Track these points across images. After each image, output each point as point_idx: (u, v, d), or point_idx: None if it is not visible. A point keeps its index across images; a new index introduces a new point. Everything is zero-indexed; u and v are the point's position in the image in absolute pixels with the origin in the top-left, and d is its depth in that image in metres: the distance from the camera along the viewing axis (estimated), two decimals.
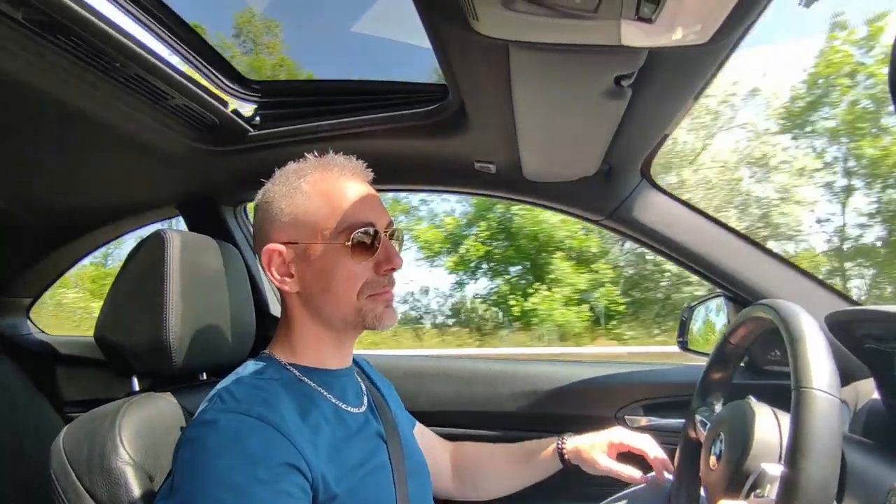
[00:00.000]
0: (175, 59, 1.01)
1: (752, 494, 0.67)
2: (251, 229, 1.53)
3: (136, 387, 0.95)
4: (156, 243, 0.90)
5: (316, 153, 0.85)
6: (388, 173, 0.91)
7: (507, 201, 1.33)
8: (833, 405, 0.57)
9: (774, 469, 0.65)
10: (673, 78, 0.78)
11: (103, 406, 0.82)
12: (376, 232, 0.80)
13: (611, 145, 0.99)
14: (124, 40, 0.83)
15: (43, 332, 1.81)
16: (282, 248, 0.79)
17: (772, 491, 0.65)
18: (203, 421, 0.70)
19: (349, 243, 0.77)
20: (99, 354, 0.96)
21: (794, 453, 0.56)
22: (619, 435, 1.01)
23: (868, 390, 0.96)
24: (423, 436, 1.07)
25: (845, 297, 1.13)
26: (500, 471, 1.10)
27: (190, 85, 0.98)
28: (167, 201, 1.43)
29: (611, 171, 1.12)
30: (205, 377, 1.04)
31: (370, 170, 0.85)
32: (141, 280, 0.91)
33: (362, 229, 0.78)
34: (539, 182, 1.20)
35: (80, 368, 1.65)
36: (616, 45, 0.63)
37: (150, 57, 0.88)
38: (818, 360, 0.59)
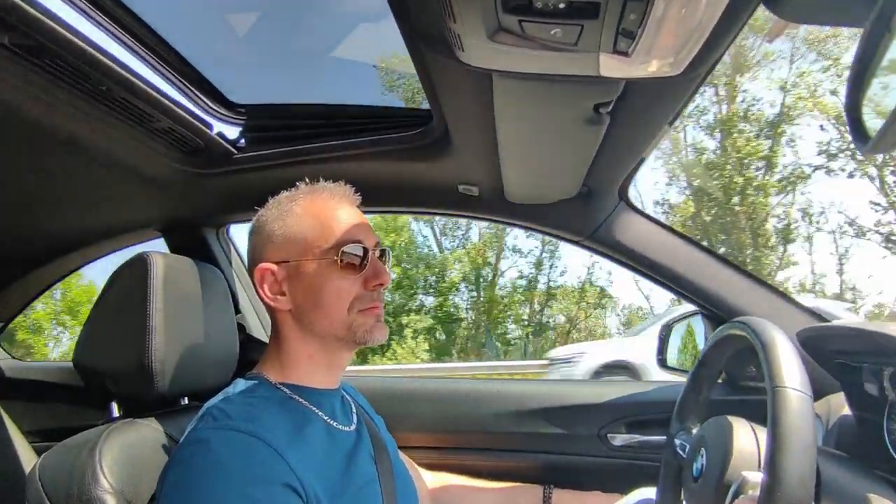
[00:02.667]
0: (160, 82, 1.02)
1: (735, 502, 0.69)
2: (234, 251, 1.52)
3: (115, 413, 0.93)
4: (139, 266, 0.90)
5: (307, 180, 0.89)
6: (373, 196, 0.92)
7: (490, 223, 1.35)
8: (806, 402, 0.60)
9: (755, 475, 0.67)
10: (648, 106, 0.82)
11: (81, 434, 0.80)
12: (365, 249, 0.83)
13: (590, 169, 1.02)
14: (109, 63, 0.83)
15: (12, 357, 1.76)
16: (274, 266, 0.82)
17: (754, 495, 0.66)
18: (195, 440, 0.69)
19: (338, 258, 0.80)
20: (71, 380, 0.94)
21: (772, 450, 0.59)
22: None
23: (840, 404, 0.99)
24: (406, 461, 1.07)
25: (816, 314, 1.17)
26: None
27: (175, 108, 0.98)
28: (149, 223, 1.41)
29: (590, 194, 1.16)
30: (186, 402, 1.02)
31: (357, 194, 0.89)
32: (123, 303, 0.90)
33: (351, 246, 0.81)
34: (521, 204, 1.22)
35: (52, 395, 1.60)
36: (595, 75, 0.66)
37: (134, 80, 0.88)
38: (789, 361, 0.63)
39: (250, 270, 0.85)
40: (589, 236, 1.27)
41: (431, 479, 1.15)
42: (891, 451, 0.81)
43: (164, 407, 0.93)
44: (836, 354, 0.91)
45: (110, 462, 0.75)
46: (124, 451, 0.78)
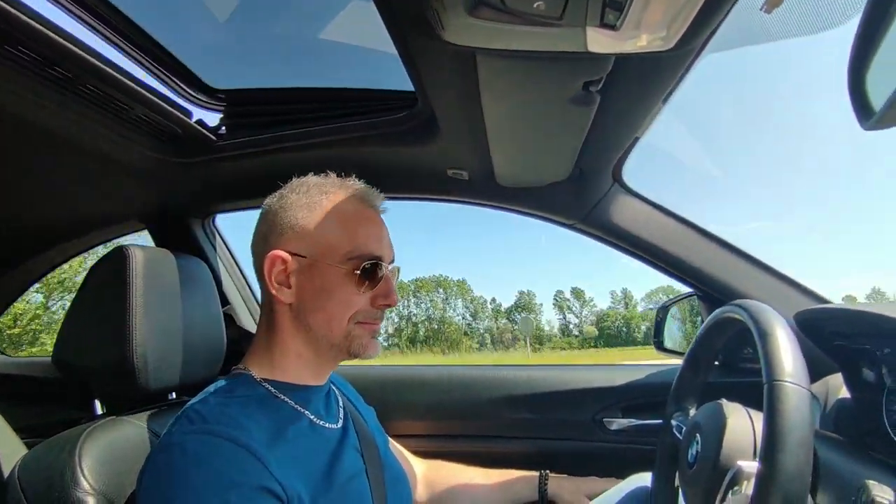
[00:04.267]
0: (135, 70, 0.98)
1: (730, 492, 0.68)
2: (221, 242, 1.49)
3: (99, 410, 0.91)
4: (118, 259, 0.87)
5: (309, 167, 0.85)
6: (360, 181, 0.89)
7: (481, 207, 1.32)
8: (803, 396, 0.58)
9: (750, 466, 0.66)
10: (640, 83, 0.79)
11: (62, 433, 0.78)
12: (381, 266, 0.81)
13: (582, 150, 0.99)
14: (79, 52, 0.80)
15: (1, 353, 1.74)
16: (287, 256, 0.79)
17: (748, 487, 0.65)
18: (168, 444, 0.67)
19: (357, 272, 0.78)
20: (56, 375, 0.92)
21: (768, 445, 0.57)
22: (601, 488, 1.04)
23: (838, 386, 0.98)
24: (396, 451, 1.06)
25: (814, 294, 1.15)
26: (477, 495, 1.10)
27: (151, 96, 0.95)
28: (131, 215, 1.38)
29: (583, 176, 1.13)
30: (174, 397, 1.00)
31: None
32: (103, 298, 0.88)
33: (371, 262, 0.79)
34: (512, 188, 1.20)
35: (42, 391, 1.58)
36: (582, 51, 0.62)
37: (107, 68, 0.85)
38: (787, 353, 0.61)
39: (258, 251, 0.82)
40: (582, 219, 1.24)
41: (425, 468, 1.14)
42: (890, 433, 0.80)
43: (151, 403, 0.92)
44: (834, 336, 0.89)
45: (91, 462, 0.73)
46: (106, 450, 0.76)
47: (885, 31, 0.49)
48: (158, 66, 1.02)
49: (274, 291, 0.79)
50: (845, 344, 0.88)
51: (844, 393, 0.94)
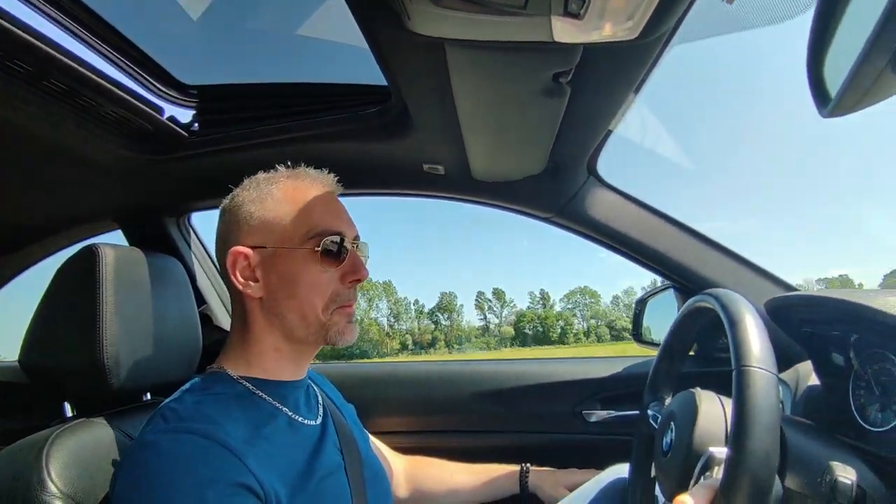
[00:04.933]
0: (103, 65, 0.96)
1: (702, 478, 0.69)
2: (197, 240, 1.47)
3: (69, 413, 0.89)
4: (87, 258, 0.85)
5: (290, 164, 0.85)
6: (337, 178, 0.89)
7: (458, 202, 1.32)
8: (770, 381, 0.59)
9: (721, 451, 0.67)
10: (609, 74, 0.79)
11: (29, 437, 0.76)
12: (344, 240, 0.80)
13: (556, 143, 1.00)
14: (43, 46, 0.78)
15: None
16: (248, 250, 0.78)
17: (720, 472, 0.66)
18: (143, 443, 0.66)
19: (318, 249, 0.78)
20: (23, 379, 0.90)
21: (736, 429, 0.58)
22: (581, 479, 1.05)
23: (808, 372, 1.00)
24: (375, 448, 1.06)
25: (784, 283, 1.17)
26: (458, 490, 1.11)
27: (119, 92, 0.94)
28: (103, 214, 1.35)
29: (557, 169, 1.13)
30: (148, 398, 0.98)
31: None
32: (72, 298, 0.86)
33: (331, 237, 0.79)
34: (488, 182, 1.20)
35: (1, 398, 1.54)
36: (549, 41, 0.63)
37: (74, 64, 0.83)
38: (755, 339, 0.62)
39: (220, 253, 0.82)
40: (558, 212, 1.25)
41: (406, 464, 1.14)
42: (856, 417, 0.82)
43: (124, 404, 0.90)
44: (803, 323, 0.91)
45: (59, 465, 0.71)
46: (75, 452, 0.74)
47: (840, 20, 0.50)
48: (127, 61, 1.00)
49: (241, 287, 0.79)
50: (814, 330, 0.90)
51: (814, 380, 0.96)
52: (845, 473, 0.62)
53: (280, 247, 0.78)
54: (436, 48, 0.70)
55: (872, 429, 0.77)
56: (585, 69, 0.75)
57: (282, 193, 0.80)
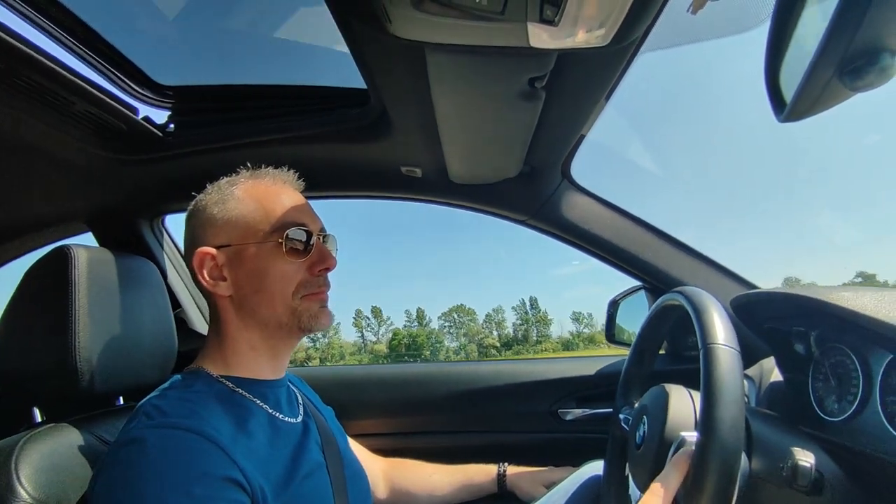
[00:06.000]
0: (74, 63, 0.95)
1: (673, 457, 0.71)
2: (171, 243, 1.45)
3: (39, 418, 0.87)
4: (59, 260, 0.84)
5: (249, 165, 0.86)
6: (314, 180, 0.89)
7: (435, 205, 1.34)
8: (734, 355, 0.64)
9: (692, 435, 0.70)
10: (582, 79, 0.82)
11: None
12: (309, 233, 0.81)
13: (531, 147, 1.02)
14: (11, 41, 0.77)
15: None
16: (213, 251, 0.79)
17: (689, 449, 0.69)
18: (129, 440, 0.65)
19: (282, 242, 0.78)
20: None
21: (705, 402, 0.62)
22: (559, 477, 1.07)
23: (771, 368, 1.04)
24: (354, 449, 1.06)
25: (747, 283, 1.22)
26: (437, 490, 1.12)
27: (92, 90, 0.92)
28: (74, 216, 1.32)
29: (533, 172, 1.16)
30: (122, 402, 0.97)
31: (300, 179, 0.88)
32: (43, 300, 0.84)
33: (295, 229, 0.79)
34: (465, 185, 1.22)
35: None
36: (525, 46, 0.65)
37: (44, 59, 0.82)
38: (719, 322, 0.67)
39: (188, 256, 0.82)
40: (533, 215, 1.27)
41: (385, 465, 1.14)
42: (815, 408, 0.86)
43: (96, 409, 0.88)
44: (765, 320, 0.95)
45: (29, 470, 0.69)
46: (46, 457, 0.72)
47: (793, 31, 0.54)
48: (100, 59, 0.99)
49: (209, 287, 0.79)
50: (776, 326, 0.94)
51: (777, 375, 1.01)
52: (805, 457, 0.66)
53: (245, 244, 0.79)
54: (415, 51, 0.72)
55: (830, 419, 0.82)
56: (559, 75, 0.78)
57: (243, 192, 0.81)
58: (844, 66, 0.42)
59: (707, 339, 0.65)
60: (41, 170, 1.12)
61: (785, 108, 0.54)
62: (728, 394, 0.62)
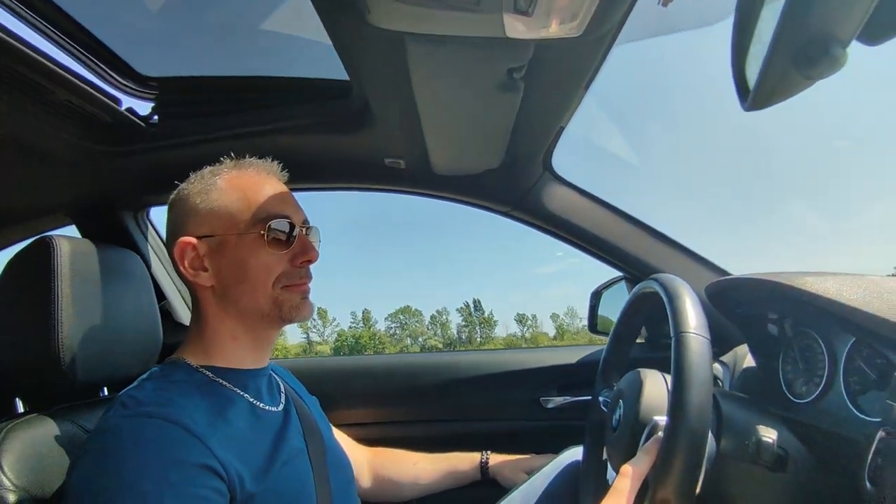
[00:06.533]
0: (55, 52, 0.94)
1: (645, 445, 0.74)
2: (156, 235, 1.45)
3: (21, 408, 0.87)
4: (41, 250, 0.84)
5: (232, 155, 0.86)
6: (297, 172, 0.90)
7: (418, 196, 1.35)
8: (704, 344, 0.66)
9: (664, 419, 0.72)
10: (559, 70, 0.84)
11: None
12: (292, 225, 0.81)
13: (512, 138, 1.04)
14: None
15: None
16: (195, 241, 0.79)
17: (659, 435, 0.71)
18: (104, 428, 0.66)
19: (265, 233, 0.78)
20: None
21: (675, 386, 0.65)
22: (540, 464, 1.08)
23: (745, 354, 1.07)
24: (338, 439, 1.07)
25: (722, 270, 1.25)
26: (421, 478, 1.14)
27: (74, 80, 0.92)
28: (56, 208, 1.31)
29: (515, 163, 1.18)
30: (106, 393, 0.97)
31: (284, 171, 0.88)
32: (25, 290, 0.84)
33: (278, 220, 0.80)
34: (448, 176, 1.23)
35: None
36: (502, 37, 0.67)
37: (23, 47, 0.82)
38: (691, 310, 0.69)
39: (169, 245, 0.82)
40: (515, 206, 1.29)
41: (369, 455, 1.16)
42: (784, 391, 0.89)
43: (80, 399, 0.89)
44: (738, 305, 0.98)
45: (12, 459, 0.70)
46: (29, 447, 0.73)
47: (756, 22, 0.56)
48: (81, 49, 0.98)
49: (191, 277, 0.80)
50: (748, 312, 0.97)
51: (750, 360, 1.04)
52: (768, 434, 0.69)
53: (227, 234, 0.79)
54: (396, 42, 0.73)
55: (798, 401, 0.85)
56: (537, 65, 0.79)
57: (226, 183, 0.81)
58: (798, 56, 0.44)
59: (678, 327, 0.67)
60: (23, 161, 1.11)
61: (749, 96, 0.57)
62: (696, 380, 0.64)
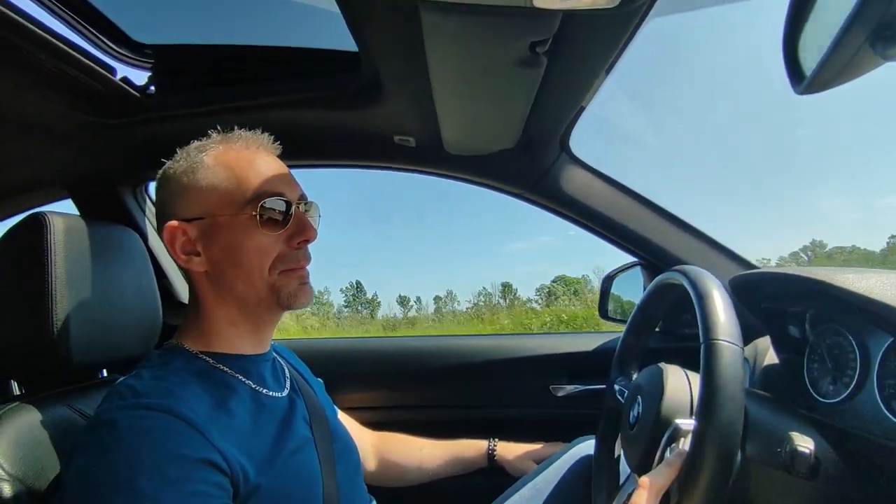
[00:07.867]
0: (45, 17, 0.88)
1: (668, 450, 0.70)
2: (154, 210, 1.41)
3: (16, 391, 0.84)
4: (33, 228, 0.80)
5: (219, 128, 0.80)
6: (302, 148, 0.85)
7: (428, 176, 1.30)
8: (736, 354, 0.61)
9: (687, 423, 0.69)
10: (586, 46, 0.78)
11: None
12: (288, 203, 0.76)
13: (529, 117, 0.98)
14: None
15: None
16: (184, 224, 0.74)
17: (685, 444, 0.68)
18: (99, 422, 0.63)
19: (257, 213, 0.73)
20: None
21: (704, 401, 0.60)
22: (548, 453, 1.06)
23: (766, 348, 1.03)
24: (343, 422, 1.05)
25: (746, 262, 1.21)
26: (427, 464, 1.12)
27: (65, 48, 0.86)
28: (50, 182, 1.27)
29: (531, 144, 1.12)
30: (105, 375, 0.94)
31: (280, 143, 0.82)
32: (17, 269, 0.80)
33: (272, 199, 0.74)
34: (460, 155, 1.18)
35: None
36: (528, 6, 0.61)
37: (11, 13, 0.76)
38: (723, 314, 0.64)
39: (159, 229, 0.77)
40: (530, 188, 1.24)
41: (375, 439, 1.14)
42: (809, 389, 0.85)
43: (78, 382, 0.86)
44: (763, 299, 0.94)
45: (6, 446, 0.67)
46: (24, 432, 0.70)
47: None
48: (72, 13, 0.92)
49: (184, 263, 0.76)
50: (773, 306, 0.93)
51: (772, 354, 1.00)
52: (804, 443, 0.65)
53: (218, 216, 0.74)
54: (410, 11, 0.67)
55: (824, 401, 0.81)
56: (563, 40, 0.73)
57: (213, 160, 0.76)
58: (879, 32, 0.39)
59: (710, 333, 0.63)
60: (16, 132, 1.06)
61: (804, 80, 0.51)
62: (728, 396, 0.60)
